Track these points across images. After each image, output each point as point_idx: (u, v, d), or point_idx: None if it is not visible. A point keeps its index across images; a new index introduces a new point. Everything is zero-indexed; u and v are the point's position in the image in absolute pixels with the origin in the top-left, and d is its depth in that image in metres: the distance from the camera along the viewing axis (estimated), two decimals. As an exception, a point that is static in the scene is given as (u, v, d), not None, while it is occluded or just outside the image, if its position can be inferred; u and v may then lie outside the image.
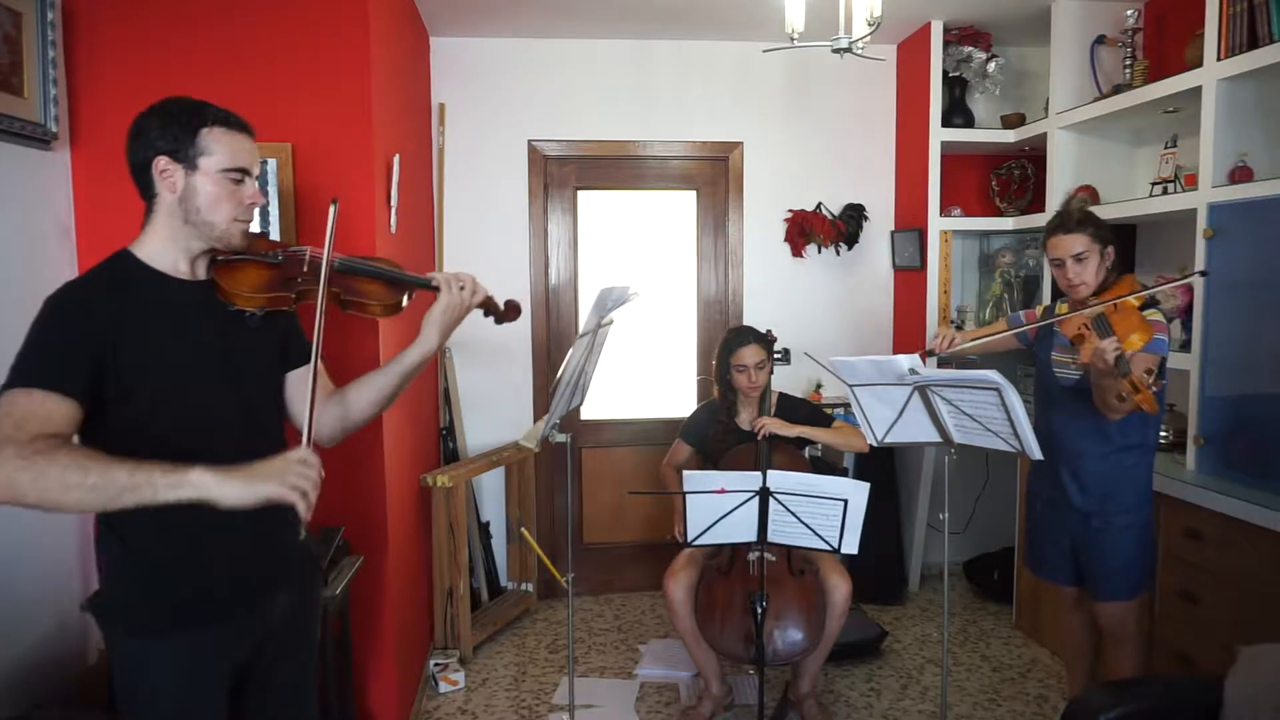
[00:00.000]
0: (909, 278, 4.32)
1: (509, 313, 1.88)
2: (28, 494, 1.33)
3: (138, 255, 1.57)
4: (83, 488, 1.33)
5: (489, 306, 1.85)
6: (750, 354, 3.07)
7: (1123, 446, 2.49)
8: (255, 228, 2.50)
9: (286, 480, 1.39)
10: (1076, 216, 2.49)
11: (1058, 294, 2.62)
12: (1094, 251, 2.46)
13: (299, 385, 1.74)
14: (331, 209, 1.63)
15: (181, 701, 1.55)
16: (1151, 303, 2.44)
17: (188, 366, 1.55)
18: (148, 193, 1.56)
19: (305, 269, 1.65)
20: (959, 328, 4.23)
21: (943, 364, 4.16)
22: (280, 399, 1.75)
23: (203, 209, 1.54)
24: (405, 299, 1.78)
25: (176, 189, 1.53)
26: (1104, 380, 2.27)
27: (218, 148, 1.55)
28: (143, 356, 1.49)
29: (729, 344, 3.13)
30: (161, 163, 1.52)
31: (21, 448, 1.33)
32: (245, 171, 1.58)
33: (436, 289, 1.75)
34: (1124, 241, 3.69)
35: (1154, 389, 2.19)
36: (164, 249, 1.57)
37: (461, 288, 1.76)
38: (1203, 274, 2.38)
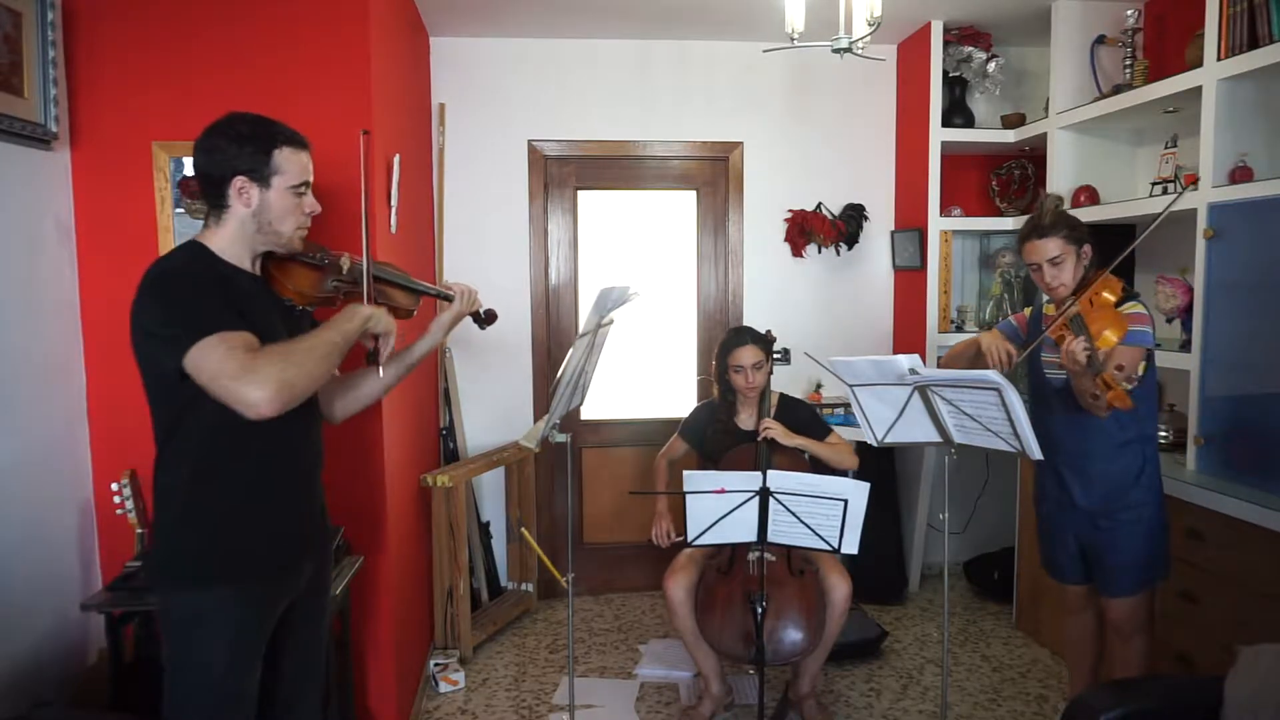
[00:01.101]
0: (909, 278, 4.32)
1: (489, 319, 2.19)
2: (300, 379, 1.57)
3: (211, 248, 1.71)
4: (325, 350, 1.64)
5: (476, 314, 2.16)
6: (747, 355, 3.07)
7: (1121, 443, 2.48)
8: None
9: (388, 319, 1.82)
10: (1049, 219, 2.49)
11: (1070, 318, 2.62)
12: (1069, 253, 2.47)
13: None
14: (361, 139, 1.92)
15: (233, 656, 1.66)
16: (1131, 296, 2.44)
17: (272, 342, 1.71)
18: (218, 202, 1.70)
19: (344, 272, 1.88)
20: (959, 328, 4.23)
21: (942, 362, 4.17)
22: None
23: (274, 221, 1.72)
24: (417, 305, 2.05)
25: (252, 204, 1.70)
26: (1079, 382, 2.29)
27: (288, 166, 1.71)
28: (244, 326, 1.62)
29: (726, 345, 3.14)
30: (239, 182, 1.68)
31: (266, 352, 1.56)
32: (308, 184, 1.77)
33: (451, 298, 2.07)
34: (1124, 242, 3.69)
35: (1127, 385, 2.18)
36: (233, 248, 1.72)
37: (467, 298, 2.10)
38: (1193, 182, 2.37)
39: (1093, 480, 2.51)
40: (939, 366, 3.49)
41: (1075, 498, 2.55)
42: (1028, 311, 2.78)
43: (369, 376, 1.99)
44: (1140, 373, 2.47)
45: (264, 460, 1.71)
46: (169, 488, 1.69)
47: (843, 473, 3.64)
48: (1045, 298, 2.70)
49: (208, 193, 1.70)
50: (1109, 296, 2.36)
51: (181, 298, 1.59)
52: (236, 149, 1.66)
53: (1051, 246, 2.46)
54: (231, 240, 1.72)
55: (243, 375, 1.50)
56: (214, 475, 1.66)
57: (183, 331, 1.54)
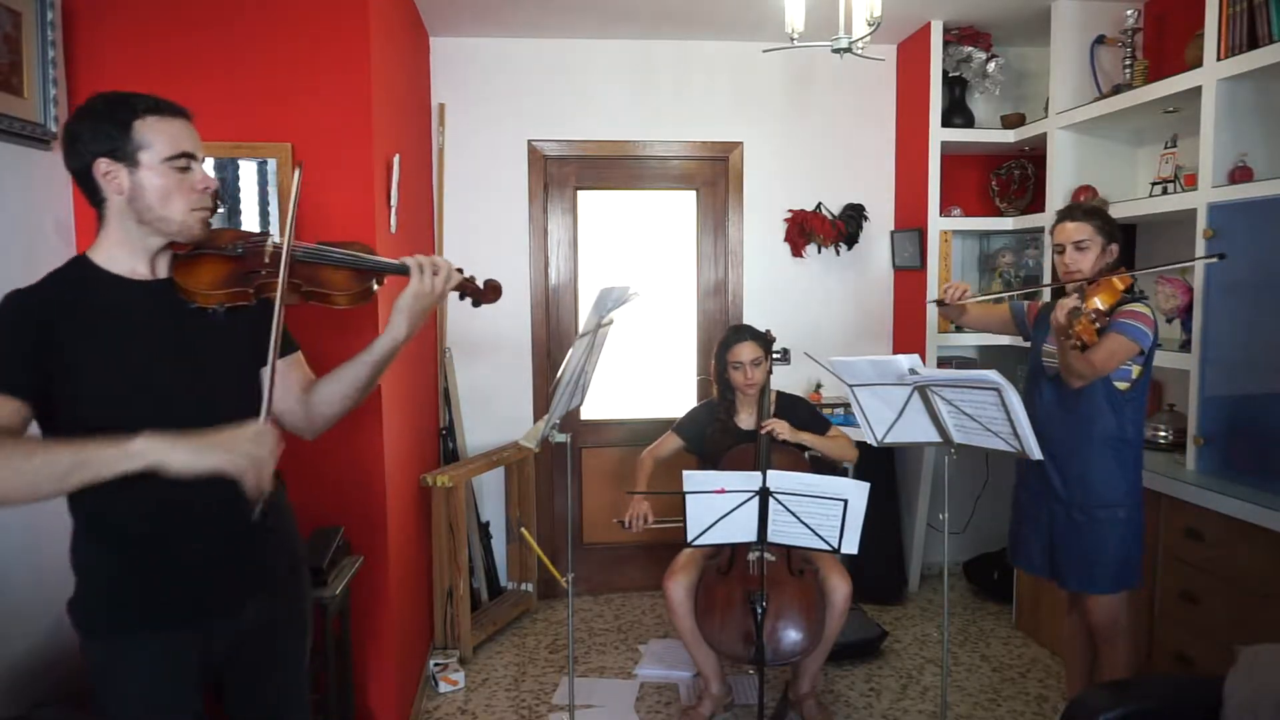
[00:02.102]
0: (909, 278, 4.32)
1: (488, 293, 1.80)
2: None
3: (94, 260, 1.54)
4: (27, 471, 1.32)
5: (466, 289, 1.77)
6: (746, 350, 3.07)
7: (1103, 439, 2.51)
8: (255, 227, 2.53)
9: (236, 452, 1.38)
10: (1085, 207, 2.60)
11: (1059, 294, 2.66)
12: (1096, 243, 2.53)
13: (276, 378, 1.67)
14: (295, 174, 1.58)
15: (147, 704, 1.55)
16: (1140, 296, 2.48)
17: (142, 369, 1.51)
18: (95, 198, 1.51)
19: (266, 260, 1.59)
20: (958, 329, 4.22)
21: (943, 362, 4.18)
22: (254, 394, 1.69)
23: (155, 205, 1.49)
24: (374, 286, 1.71)
25: (124, 189, 1.49)
26: (1058, 333, 2.35)
27: (154, 138, 1.48)
28: (94, 360, 1.46)
29: (725, 342, 3.14)
30: (102, 165, 1.47)
31: None
32: (190, 156, 1.52)
33: (407, 272, 1.68)
34: (1124, 241, 3.69)
35: (1097, 325, 2.25)
36: (120, 252, 1.53)
37: (435, 273, 1.68)
38: (1220, 256, 2.49)
39: (1073, 473, 2.54)
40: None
41: (1054, 486, 2.57)
42: (1041, 304, 2.83)
43: (332, 381, 1.73)
44: (1135, 376, 2.49)
45: (158, 500, 1.46)
46: (74, 530, 1.55)
47: (843, 470, 3.66)
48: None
49: (84, 191, 1.50)
50: (1117, 283, 2.43)
51: None
52: (91, 131, 1.46)
53: (1081, 230, 2.54)
54: (116, 241, 1.51)
55: None
56: (107, 519, 1.49)
57: None
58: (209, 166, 2.06)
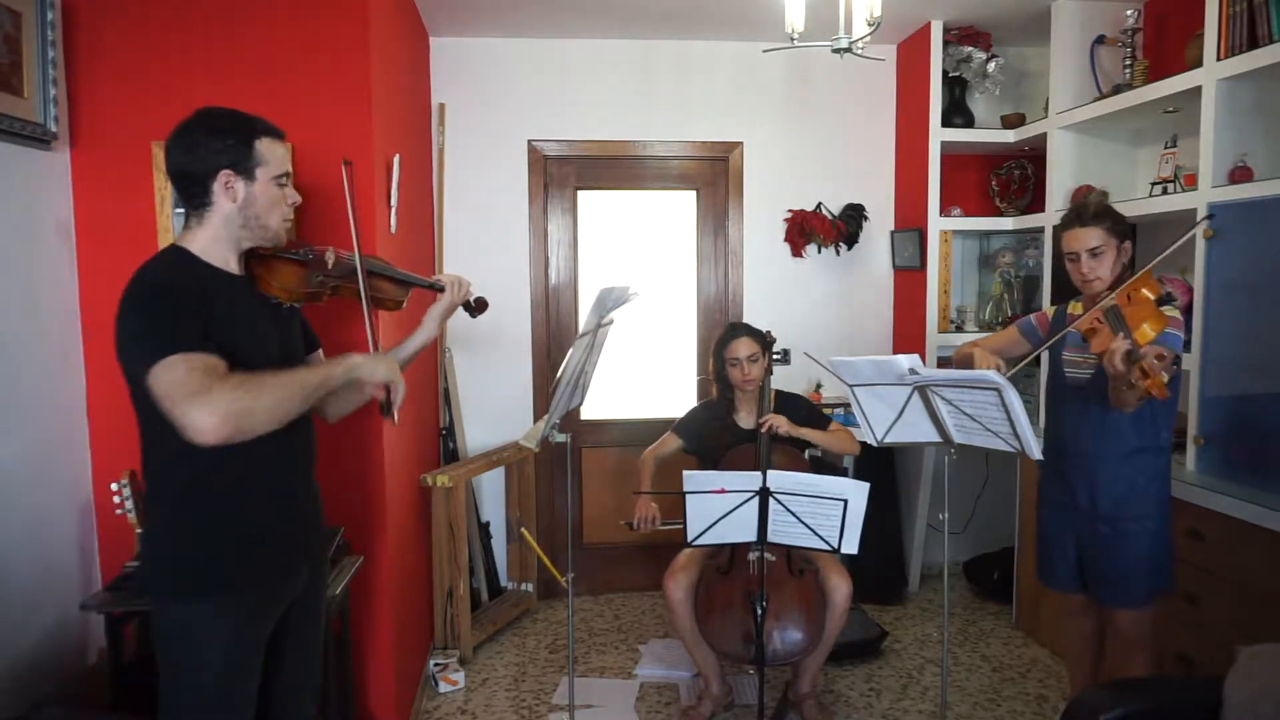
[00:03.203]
0: (909, 278, 4.32)
1: (479, 307, 2.16)
2: (255, 414, 1.52)
3: (193, 251, 1.68)
4: (293, 391, 1.58)
5: (466, 303, 2.13)
6: (743, 346, 3.07)
7: (1135, 449, 2.43)
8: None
9: (394, 369, 1.77)
10: (1093, 210, 2.44)
11: (1059, 294, 2.61)
12: (1110, 246, 2.42)
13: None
14: (344, 170, 1.86)
15: (228, 663, 1.65)
16: (1167, 299, 2.39)
17: (252, 350, 1.67)
18: (199, 200, 1.67)
19: (329, 266, 1.86)
20: (959, 328, 4.23)
21: (943, 362, 4.18)
22: None
23: (261, 214, 1.71)
24: (407, 297, 2.03)
25: (238, 198, 1.67)
26: (1117, 380, 2.20)
27: (270, 157, 1.70)
28: (228, 340, 1.61)
29: (723, 339, 3.15)
30: (225, 176, 1.65)
31: (227, 379, 1.52)
32: (289, 175, 1.76)
33: (441, 289, 2.06)
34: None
35: (1165, 375, 2.07)
36: (216, 247, 1.70)
37: (458, 288, 2.07)
38: (1210, 217, 2.31)
39: (1100, 484, 2.46)
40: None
41: (1079, 500, 2.50)
42: (1050, 311, 2.73)
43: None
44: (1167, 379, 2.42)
45: (253, 466, 1.67)
46: (156, 496, 1.68)
47: (844, 470, 3.66)
48: (1048, 303, 2.69)
49: (188, 192, 1.68)
50: (1148, 294, 2.26)
51: (156, 311, 1.56)
52: (219, 143, 1.64)
53: (1093, 236, 2.40)
54: (214, 239, 1.69)
55: (194, 397, 1.46)
56: (201, 483, 1.63)
57: (151, 346, 1.51)
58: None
